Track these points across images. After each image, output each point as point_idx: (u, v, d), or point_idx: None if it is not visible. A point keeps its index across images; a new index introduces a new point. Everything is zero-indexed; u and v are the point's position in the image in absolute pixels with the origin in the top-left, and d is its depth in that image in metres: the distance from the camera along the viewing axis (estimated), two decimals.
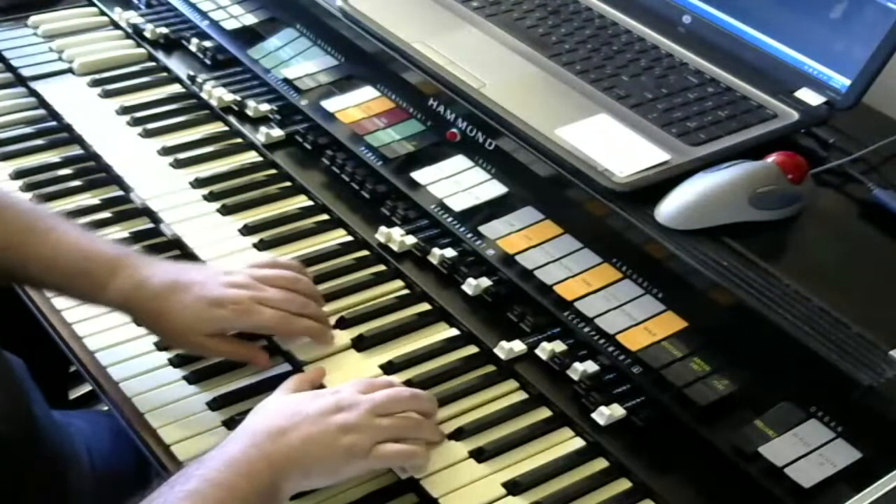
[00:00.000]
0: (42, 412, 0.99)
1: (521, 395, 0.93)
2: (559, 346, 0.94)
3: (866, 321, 0.88)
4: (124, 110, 1.22)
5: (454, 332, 0.98)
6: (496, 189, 1.07)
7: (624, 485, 0.86)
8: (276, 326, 0.93)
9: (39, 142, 1.19)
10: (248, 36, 1.30)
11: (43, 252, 0.91)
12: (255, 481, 0.76)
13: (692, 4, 1.19)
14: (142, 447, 0.89)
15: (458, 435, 0.88)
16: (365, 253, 1.06)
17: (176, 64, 1.30)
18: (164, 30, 1.33)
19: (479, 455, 0.87)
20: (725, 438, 0.85)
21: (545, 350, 0.93)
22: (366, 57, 1.20)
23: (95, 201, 1.11)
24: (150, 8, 1.38)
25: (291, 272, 0.97)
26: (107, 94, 1.25)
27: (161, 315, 0.90)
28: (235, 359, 0.94)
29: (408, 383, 0.92)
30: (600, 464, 0.88)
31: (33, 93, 1.26)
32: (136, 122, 1.21)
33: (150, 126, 1.20)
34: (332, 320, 0.97)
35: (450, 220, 1.05)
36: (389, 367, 0.94)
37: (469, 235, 1.03)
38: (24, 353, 1.03)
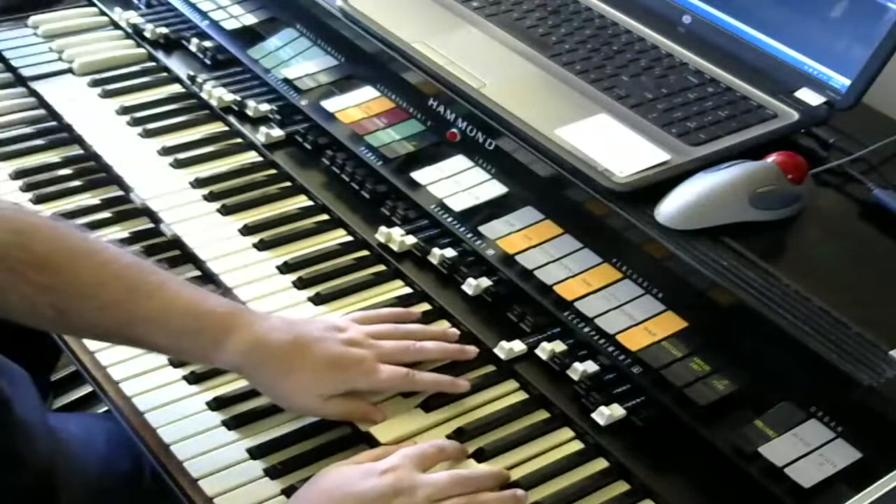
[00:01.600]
0: (36, 419, 0.98)
1: (521, 396, 0.93)
2: (559, 346, 0.94)
3: (866, 321, 0.88)
4: (124, 110, 1.22)
5: (454, 332, 0.98)
6: (496, 189, 1.07)
7: (624, 485, 0.86)
8: (400, 385, 0.90)
9: (39, 142, 1.19)
10: (248, 36, 1.30)
11: (151, 312, 0.84)
12: None
13: (692, 4, 1.19)
14: (141, 447, 0.89)
15: (459, 436, 0.88)
16: (365, 253, 1.06)
17: (176, 64, 1.30)
18: (164, 30, 1.33)
19: (480, 456, 0.87)
20: (725, 438, 0.85)
21: (545, 350, 0.93)
22: (366, 57, 1.20)
23: (95, 201, 1.11)
24: (150, 8, 1.38)
25: (398, 313, 0.96)
26: (107, 94, 1.25)
27: (283, 376, 0.86)
28: (353, 419, 0.89)
29: None
30: (600, 464, 0.88)
31: (33, 93, 1.26)
32: (136, 122, 1.21)
33: (150, 126, 1.20)
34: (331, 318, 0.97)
35: (450, 220, 1.05)
36: None
37: (469, 235, 1.03)
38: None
